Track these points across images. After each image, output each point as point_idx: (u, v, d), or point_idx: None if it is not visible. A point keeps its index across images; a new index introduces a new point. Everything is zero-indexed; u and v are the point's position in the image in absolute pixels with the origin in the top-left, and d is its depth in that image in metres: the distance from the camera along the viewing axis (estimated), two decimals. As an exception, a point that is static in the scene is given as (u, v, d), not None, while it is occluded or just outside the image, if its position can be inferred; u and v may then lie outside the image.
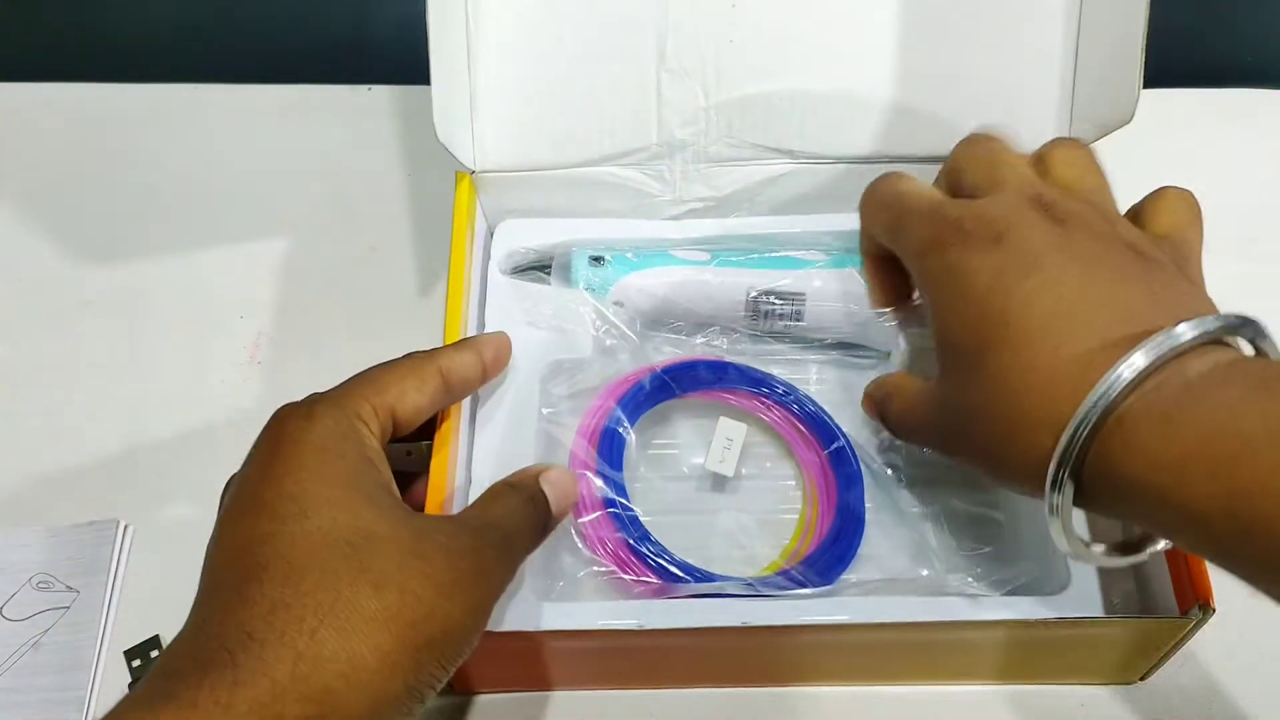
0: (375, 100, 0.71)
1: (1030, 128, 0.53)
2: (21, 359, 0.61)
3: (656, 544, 0.47)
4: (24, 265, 0.64)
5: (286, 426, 0.39)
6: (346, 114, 0.71)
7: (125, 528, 0.53)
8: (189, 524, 0.51)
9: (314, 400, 0.41)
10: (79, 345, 0.61)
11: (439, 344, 0.56)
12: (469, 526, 0.39)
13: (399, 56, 0.72)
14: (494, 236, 0.56)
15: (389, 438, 0.42)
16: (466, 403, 0.48)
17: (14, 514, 0.55)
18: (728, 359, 0.52)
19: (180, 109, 0.71)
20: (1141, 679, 0.48)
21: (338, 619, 0.33)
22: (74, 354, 0.61)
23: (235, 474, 0.40)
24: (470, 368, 0.46)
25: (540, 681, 0.48)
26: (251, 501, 0.37)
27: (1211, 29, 0.59)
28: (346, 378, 0.43)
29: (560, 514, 0.44)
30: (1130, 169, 0.54)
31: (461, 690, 0.48)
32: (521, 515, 0.42)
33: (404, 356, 0.45)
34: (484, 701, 0.48)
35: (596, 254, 0.53)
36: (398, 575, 0.35)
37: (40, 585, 0.52)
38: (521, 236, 0.56)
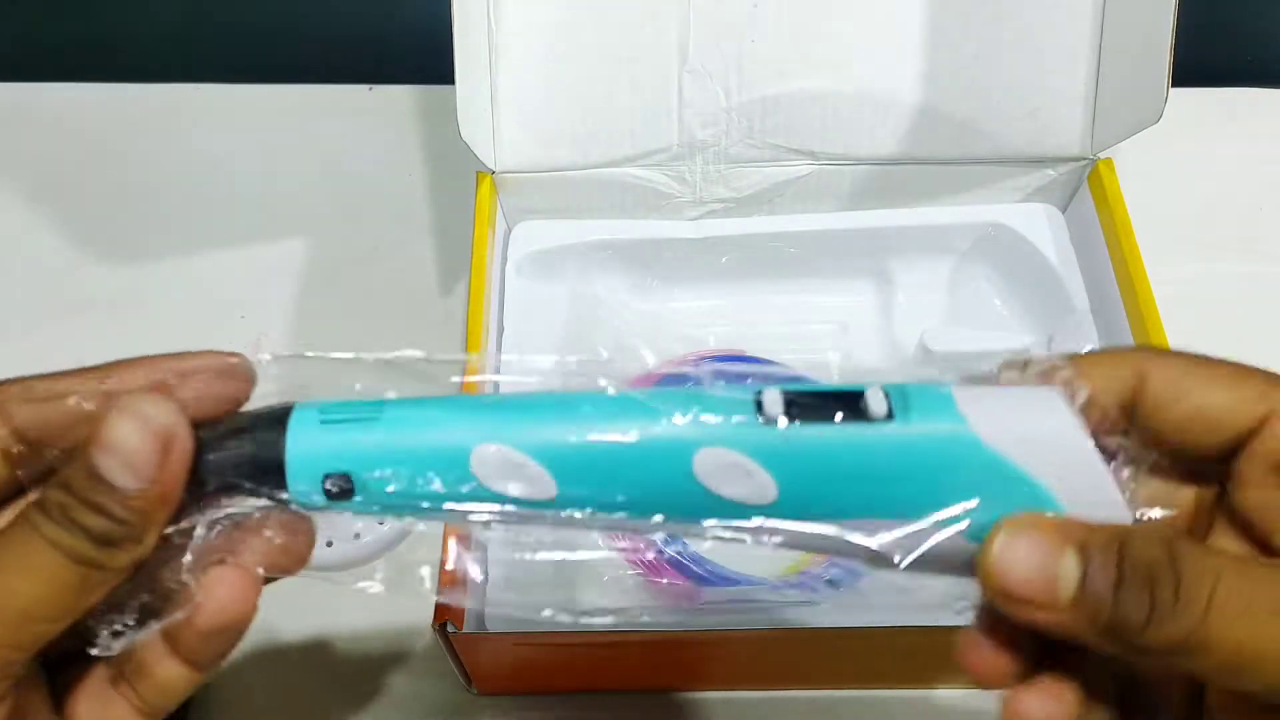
0: (377, 100, 0.71)
1: (1054, 128, 0.54)
2: (21, 359, 0.59)
3: (683, 545, 0.46)
4: (25, 265, 0.63)
5: None
6: (348, 114, 0.70)
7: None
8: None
9: None
10: (79, 345, 0.60)
11: (453, 346, 0.56)
12: None
13: (401, 56, 0.72)
14: (511, 237, 0.55)
15: None
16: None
17: (16, 516, 0.53)
18: (747, 353, 0.52)
19: (181, 109, 0.70)
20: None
21: None
22: (74, 354, 0.59)
23: None
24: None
25: (562, 684, 0.48)
26: None
27: (1211, 28, 0.60)
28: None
29: None
30: (1129, 169, 0.55)
31: (483, 691, 0.48)
32: None
33: None
34: (504, 703, 0.48)
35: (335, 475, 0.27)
36: None
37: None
38: (539, 237, 0.55)
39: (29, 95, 0.71)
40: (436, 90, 0.70)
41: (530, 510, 0.27)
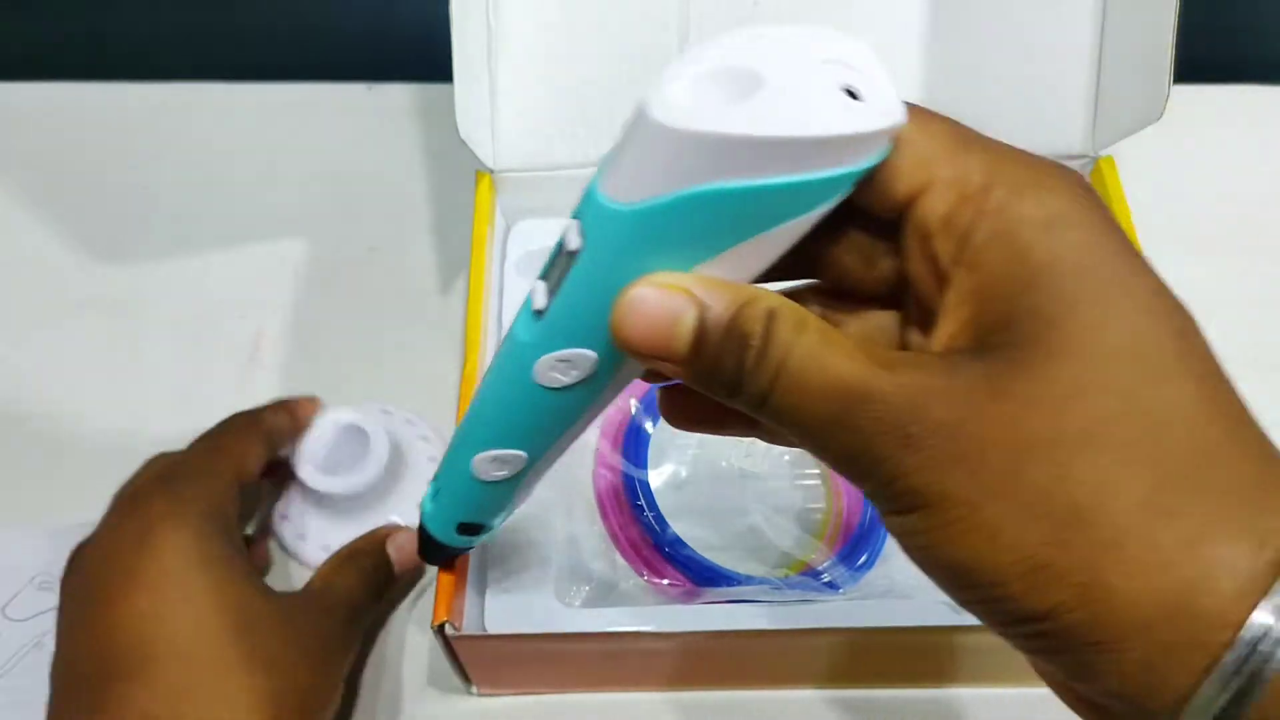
0: (376, 99, 0.71)
1: (1055, 127, 0.54)
2: (21, 359, 0.60)
3: (684, 545, 0.46)
4: (24, 264, 0.63)
5: (156, 507, 0.42)
6: (347, 113, 0.70)
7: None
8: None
9: (177, 480, 0.44)
10: (79, 345, 0.60)
11: (451, 345, 0.57)
12: (324, 604, 0.44)
13: (399, 55, 0.72)
14: (510, 236, 0.55)
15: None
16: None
17: (14, 514, 0.54)
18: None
19: (180, 108, 0.70)
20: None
21: (230, 700, 0.39)
22: (74, 354, 0.60)
23: (86, 544, 0.44)
24: (285, 430, 0.49)
25: (561, 684, 0.48)
26: (128, 580, 0.40)
27: (1213, 25, 0.60)
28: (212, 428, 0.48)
29: (402, 575, 0.48)
30: (1131, 167, 0.54)
31: (483, 691, 0.48)
32: (364, 586, 0.46)
33: (234, 418, 0.48)
34: (504, 704, 0.48)
35: None
36: (280, 657, 0.40)
37: (42, 586, 0.51)
38: (537, 236, 0.55)
39: (29, 95, 0.71)
40: (435, 89, 0.70)
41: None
